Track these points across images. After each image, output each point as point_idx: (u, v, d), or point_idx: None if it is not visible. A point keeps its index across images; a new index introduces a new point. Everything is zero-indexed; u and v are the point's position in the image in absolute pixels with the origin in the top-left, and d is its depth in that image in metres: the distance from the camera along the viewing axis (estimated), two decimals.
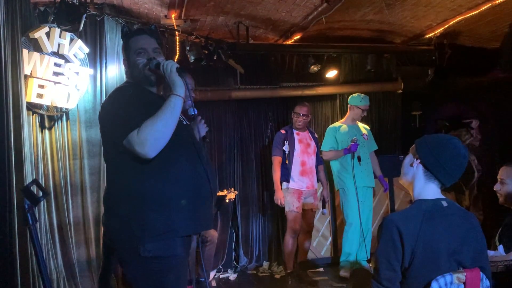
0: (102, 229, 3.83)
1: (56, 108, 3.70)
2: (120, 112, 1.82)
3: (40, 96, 3.52)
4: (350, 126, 4.59)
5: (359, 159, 4.38)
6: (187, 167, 1.88)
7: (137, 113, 1.79)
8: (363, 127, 4.72)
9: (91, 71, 3.94)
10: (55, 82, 3.63)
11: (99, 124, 1.97)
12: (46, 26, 3.58)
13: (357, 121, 4.70)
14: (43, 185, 3.00)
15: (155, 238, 1.78)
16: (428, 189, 1.78)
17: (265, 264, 5.06)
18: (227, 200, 4.64)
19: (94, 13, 3.91)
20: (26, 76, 3.39)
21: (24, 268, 3.01)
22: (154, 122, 1.77)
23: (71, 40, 3.75)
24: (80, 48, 3.82)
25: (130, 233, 1.79)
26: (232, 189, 4.69)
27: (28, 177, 3.19)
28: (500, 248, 2.51)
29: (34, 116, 3.56)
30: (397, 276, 1.65)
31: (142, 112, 1.80)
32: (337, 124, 4.70)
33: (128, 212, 1.81)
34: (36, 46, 3.55)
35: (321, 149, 4.65)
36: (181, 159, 1.88)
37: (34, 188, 1.85)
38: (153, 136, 1.75)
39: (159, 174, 1.82)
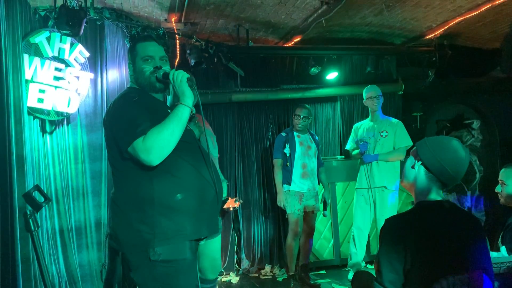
0: (106, 233, 3.84)
1: (57, 112, 3.70)
2: (125, 119, 1.82)
3: (41, 100, 3.53)
4: (369, 123, 4.44)
5: None
6: (193, 171, 1.89)
7: (142, 120, 1.80)
8: (389, 123, 4.38)
9: (91, 75, 3.94)
10: (56, 87, 3.63)
11: (102, 129, 1.97)
12: (47, 30, 3.60)
13: (384, 117, 4.43)
14: (45, 190, 3.00)
15: (165, 241, 1.79)
16: (430, 191, 1.77)
17: (267, 267, 5.05)
18: (231, 208, 4.63)
19: (94, 17, 3.93)
20: (27, 81, 3.40)
21: (26, 273, 3.00)
22: (161, 131, 1.77)
23: (72, 44, 3.76)
24: (80, 53, 3.83)
25: (139, 237, 1.80)
26: (237, 197, 4.68)
27: (30, 182, 3.18)
28: (503, 249, 2.51)
29: (35, 120, 3.56)
30: (399, 278, 1.64)
31: (147, 119, 1.81)
32: (360, 122, 4.63)
33: (137, 216, 1.81)
34: (36, 51, 3.56)
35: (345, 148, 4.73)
36: (187, 164, 1.88)
37: (35, 194, 1.86)
38: (159, 145, 1.76)
39: (166, 179, 1.82)
